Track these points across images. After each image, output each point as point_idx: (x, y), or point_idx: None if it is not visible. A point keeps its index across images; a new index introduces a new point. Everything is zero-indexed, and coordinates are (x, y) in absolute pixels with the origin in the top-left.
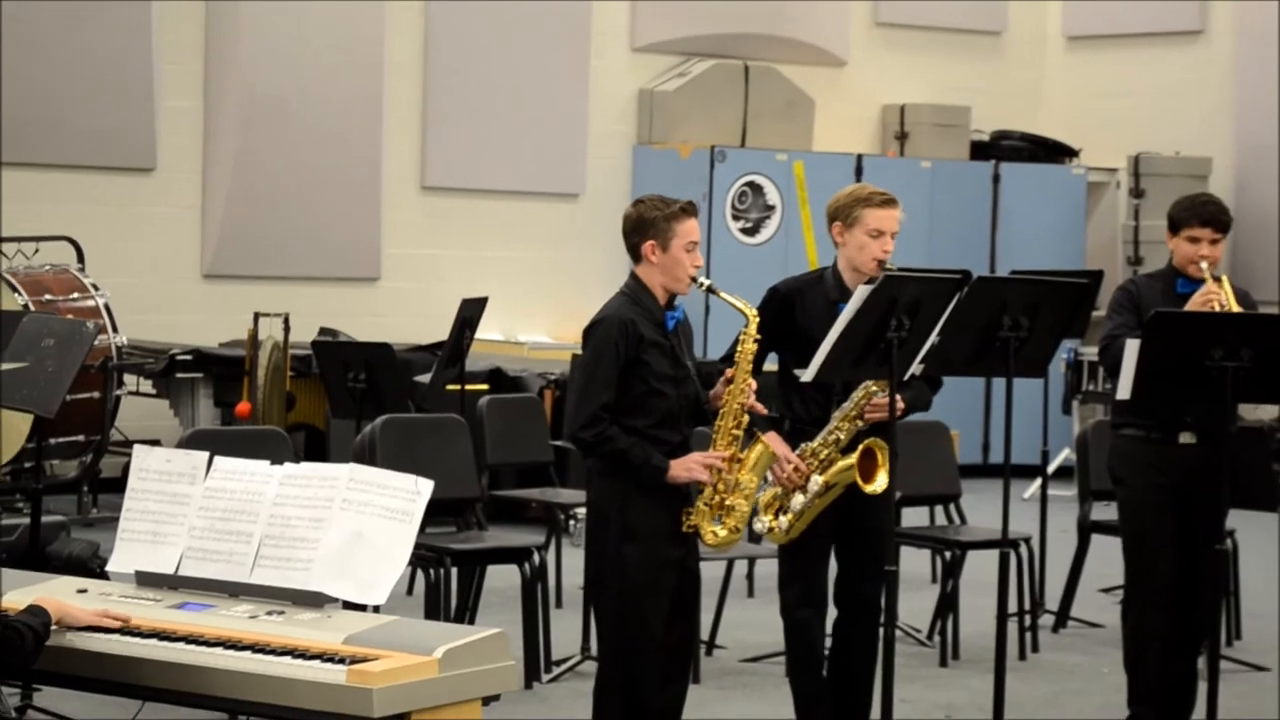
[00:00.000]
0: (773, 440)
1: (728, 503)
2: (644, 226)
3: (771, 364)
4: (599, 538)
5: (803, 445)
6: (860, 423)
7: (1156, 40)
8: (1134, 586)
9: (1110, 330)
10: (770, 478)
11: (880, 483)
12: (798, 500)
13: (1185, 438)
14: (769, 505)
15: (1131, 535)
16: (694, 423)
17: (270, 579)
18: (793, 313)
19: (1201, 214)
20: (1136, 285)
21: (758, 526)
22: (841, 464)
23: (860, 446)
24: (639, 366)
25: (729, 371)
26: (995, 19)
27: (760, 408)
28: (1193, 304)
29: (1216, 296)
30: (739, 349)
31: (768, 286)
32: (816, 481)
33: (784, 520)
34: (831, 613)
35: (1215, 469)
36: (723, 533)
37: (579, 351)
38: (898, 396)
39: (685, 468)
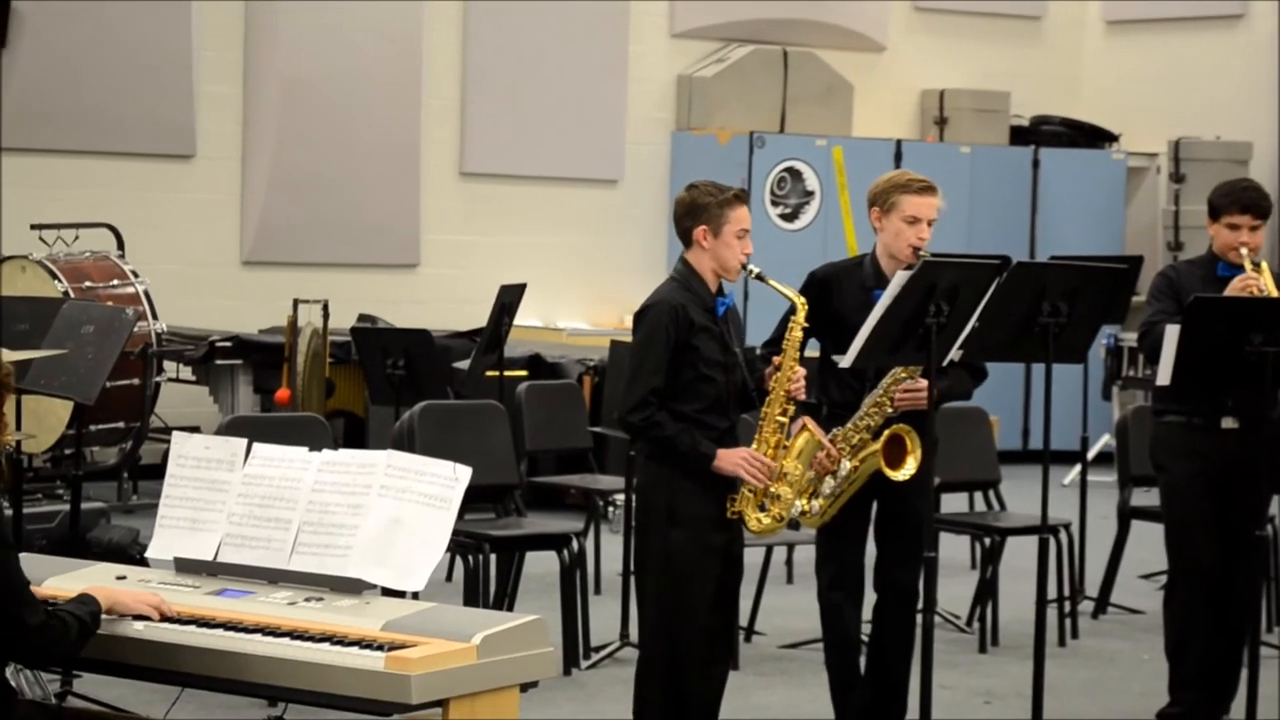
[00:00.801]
0: (807, 425)
1: (772, 490)
2: (697, 211)
3: (812, 350)
4: (644, 522)
5: (835, 430)
6: (891, 410)
7: (1196, 24)
8: (1177, 573)
9: (1149, 316)
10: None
11: (908, 469)
12: (828, 484)
13: (1227, 423)
14: (803, 490)
15: (1174, 522)
16: (742, 409)
17: (309, 565)
18: (829, 298)
19: (1241, 200)
20: (1176, 271)
21: (791, 511)
22: (869, 449)
23: (886, 433)
24: (689, 352)
25: (776, 359)
26: (1035, 3)
27: (802, 395)
28: (1231, 290)
29: (1255, 282)
30: (788, 336)
31: (806, 272)
32: (846, 466)
33: (816, 504)
34: (870, 598)
35: (1256, 455)
36: (767, 520)
37: (618, 337)
38: (924, 390)
39: (732, 462)
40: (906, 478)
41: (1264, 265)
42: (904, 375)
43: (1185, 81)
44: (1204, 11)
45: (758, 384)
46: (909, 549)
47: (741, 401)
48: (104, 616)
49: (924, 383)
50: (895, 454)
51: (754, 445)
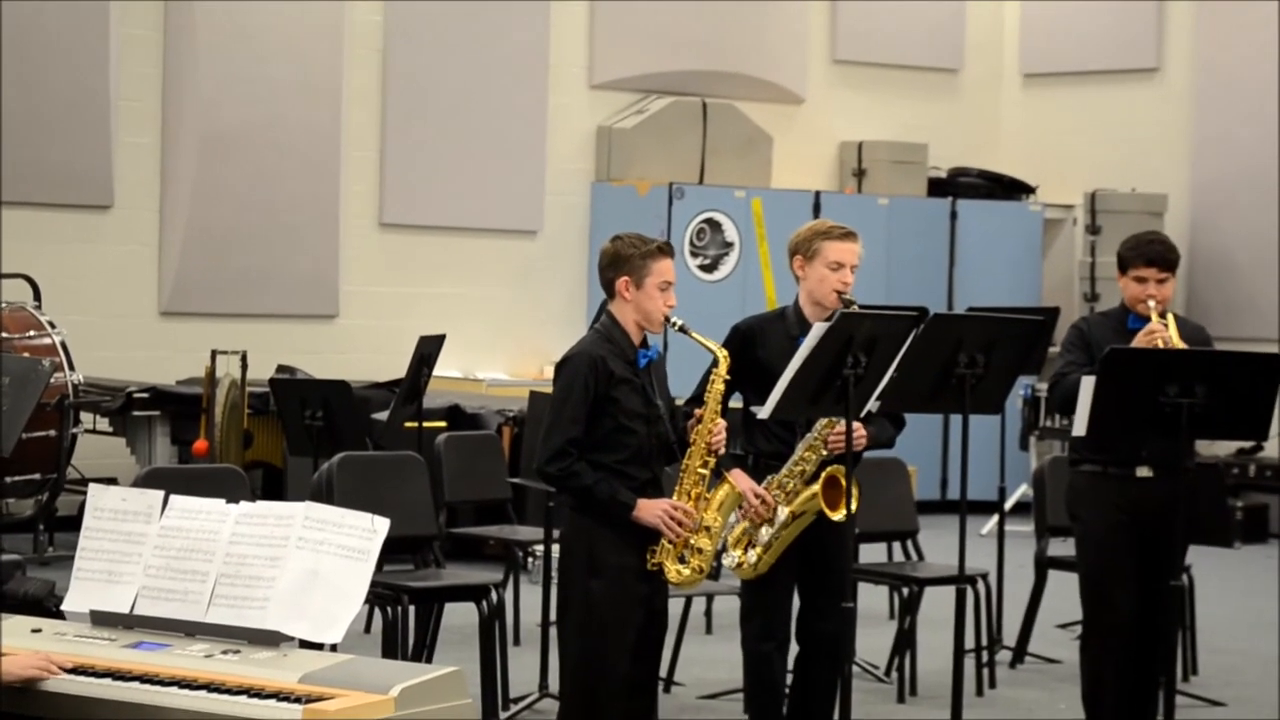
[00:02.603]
0: (737, 476)
1: (693, 542)
2: (619, 263)
3: (736, 401)
4: (566, 572)
5: (769, 478)
6: (825, 452)
7: (1113, 77)
8: (1092, 622)
9: (1061, 368)
10: (737, 513)
11: (843, 511)
12: (765, 532)
13: (1142, 472)
14: (737, 541)
15: (1090, 570)
16: (665, 461)
17: (226, 618)
18: (754, 349)
19: (1147, 253)
20: (1088, 323)
21: (727, 562)
22: (806, 493)
23: (823, 475)
24: (609, 403)
25: (698, 411)
26: (952, 56)
27: (722, 448)
28: (1137, 341)
29: (1161, 333)
30: (709, 389)
31: (726, 323)
32: (783, 512)
33: (753, 554)
34: (793, 650)
35: (1172, 504)
36: (687, 571)
37: (537, 388)
38: (863, 429)
39: (652, 513)
40: (844, 518)
41: (1170, 317)
42: (837, 421)
43: (1101, 134)
44: (1120, 64)
45: (681, 436)
46: (832, 599)
47: (664, 453)
48: None
49: (857, 426)
50: (832, 496)
51: (674, 496)
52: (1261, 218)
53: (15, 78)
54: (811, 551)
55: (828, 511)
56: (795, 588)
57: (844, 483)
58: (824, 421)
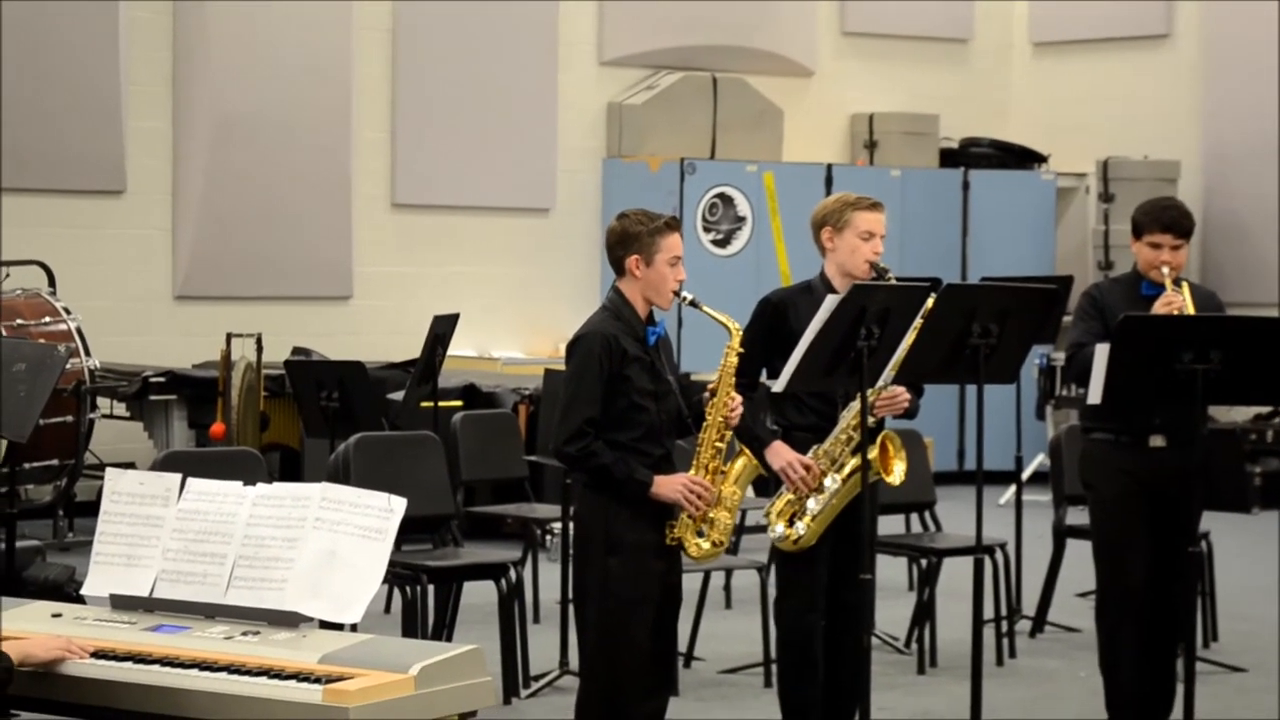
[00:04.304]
0: (778, 449)
1: (711, 515)
2: (628, 241)
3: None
4: (583, 551)
5: (814, 448)
6: (871, 421)
7: (1123, 45)
8: (1106, 591)
9: (1076, 338)
10: (781, 486)
11: (898, 473)
12: (813, 504)
13: (1155, 441)
14: (781, 513)
15: (1103, 539)
16: (677, 436)
17: (245, 600)
18: (786, 322)
19: (1162, 219)
20: (1100, 290)
21: (772, 536)
22: (857, 461)
23: (878, 439)
24: (621, 381)
25: (711, 384)
26: (962, 26)
27: (735, 419)
28: (1154, 311)
29: (1176, 302)
30: (722, 362)
31: (740, 297)
32: (835, 480)
33: (800, 525)
34: None
35: (1187, 471)
36: (706, 545)
37: (552, 366)
38: (906, 395)
39: (671, 487)
40: (900, 480)
41: (1185, 284)
42: (883, 388)
43: (1113, 102)
44: (1130, 31)
45: (695, 411)
46: (853, 569)
47: (677, 429)
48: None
49: (899, 389)
50: (883, 460)
51: (691, 471)
52: (1274, 183)
53: (26, 64)
54: (839, 523)
55: (883, 475)
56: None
57: (891, 447)
58: (871, 391)
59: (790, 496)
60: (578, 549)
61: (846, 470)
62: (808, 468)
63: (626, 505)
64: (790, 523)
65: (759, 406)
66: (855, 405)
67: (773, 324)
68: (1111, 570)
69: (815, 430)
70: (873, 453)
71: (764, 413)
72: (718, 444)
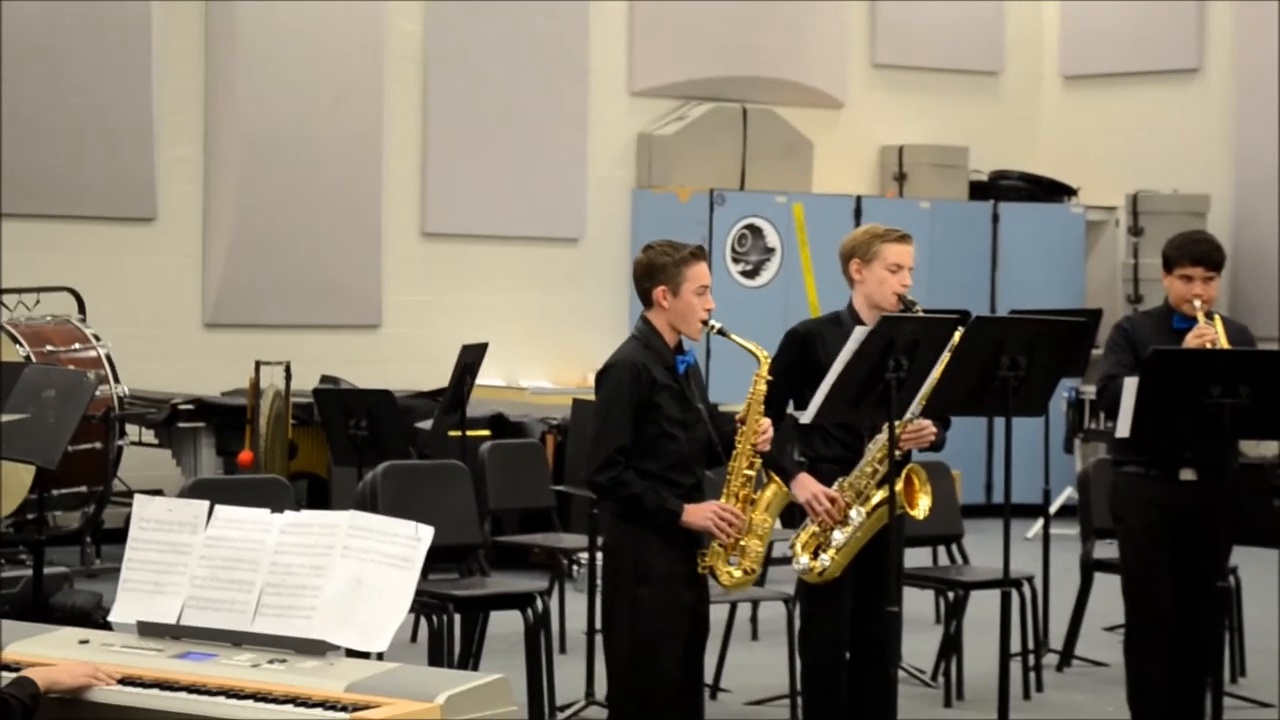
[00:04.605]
0: (804, 480)
1: (742, 543)
2: (654, 272)
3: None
4: (613, 581)
5: (839, 480)
6: (896, 454)
7: (1153, 78)
8: (1135, 624)
9: (1107, 370)
10: (806, 518)
11: (924, 506)
12: (838, 536)
13: (1185, 474)
14: (806, 545)
15: (1132, 573)
16: (707, 466)
17: (272, 627)
18: (814, 353)
19: (1193, 252)
20: (1132, 323)
21: (796, 568)
22: (883, 494)
23: (903, 472)
24: (651, 410)
25: (740, 413)
26: (992, 59)
27: (766, 446)
28: (1187, 344)
29: (1209, 335)
30: (751, 389)
31: (769, 328)
32: (860, 513)
33: (824, 557)
34: None
35: (1216, 505)
36: (738, 574)
37: (581, 396)
38: (932, 429)
39: (701, 515)
40: (924, 515)
41: (1217, 317)
42: (910, 420)
43: (1142, 135)
44: (1160, 65)
45: (726, 440)
46: (880, 602)
47: (707, 458)
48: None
49: (926, 423)
50: (908, 494)
51: (722, 499)
52: None
53: (58, 91)
54: (864, 556)
55: (908, 509)
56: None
57: (917, 480)
58: (897, 424)
59: (815, 529)
60: (607, 578)
61: (871, 503)
62: (833, 500)
63: (657, 535)
64: (815, 555)
65: (785, 438)
66: (881, 438)
67: (800, 355)
68: (1140, 603)
69: (841, 462)
70: (897, 486)
71: (790, 444)
72: (747, 472)
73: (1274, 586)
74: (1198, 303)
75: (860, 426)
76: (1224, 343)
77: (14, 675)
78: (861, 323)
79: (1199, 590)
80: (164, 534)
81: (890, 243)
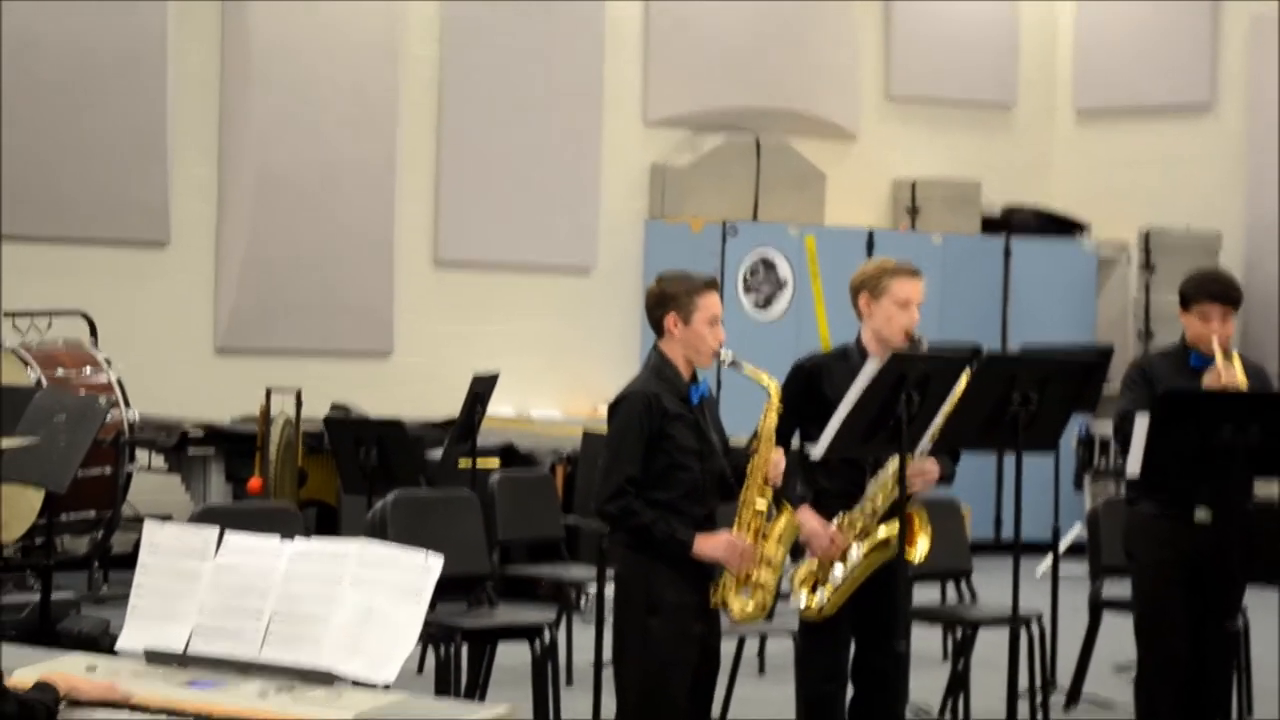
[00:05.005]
0: (806, 514)
1: (754, 577)
2: (666, 301)
3: (796, 442)
4: (624, 611)
5: (840, 515)
6: (898, 492)
7: (1166, 114)
8: (1147, 663)
9: (1124, 407)
10: (804, 554)
11: (922, 548)
12: (837, 572)
13: (1200, 514)
14: (804, 581)
15: (1145, 612)
16: (721, 497)
17: (280, 656)
18: (820, 387)
19: (1212, 290)
20: (1149, 361)
21: (794, 604)
22: (883, 532)
23: (899, 514)
24: (663, 440)
25: (752, 445)
26: (1005, 92)
27: (779, 479)
28: (1206, 383)
29: (1228, 377)
30: (762, 421)
31: (780, 360)
32: (859, 550)
33: (821, 594)
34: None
35: (1230, 545)
36: (750, 607)
37: (591, 427)
38: (938, 465)
39: (713, 546)
40: (921, 558)
41: (1236, 355)
42: (912, 457)
43: (1155, 171)
44: (1174, 101)
45: (738, 471)
46: (889, 638)
47: (720, 489)
48: (62, 703)
49: (930, 463)
50: (906, 535)
51: (734, 530)
52: None
53: (73, 115)
54: (868, 593)
55: (906, 549)
56: (852, 628)
57: (917, 521)
58: (897, 461)
59: (814, 564)
60: (618, 609)
61: (870, 542)
62: (832, 537)
63: (667, 565)
64: (813, 590)
65: (789, 471)
66: (882, 475)
67: (805, 389)
68: (1153, 642)
69: (844, 496)
70: (895, 528)
71: (793, 478)
72: (759, 503)
73: None
74: (1215, 341)
75: (863, 461)
76: (1242, 380)
77: (36, 680)
78: (868, 358)
79: (1212, 630)
80: (173, 560)
81: (900, 278)
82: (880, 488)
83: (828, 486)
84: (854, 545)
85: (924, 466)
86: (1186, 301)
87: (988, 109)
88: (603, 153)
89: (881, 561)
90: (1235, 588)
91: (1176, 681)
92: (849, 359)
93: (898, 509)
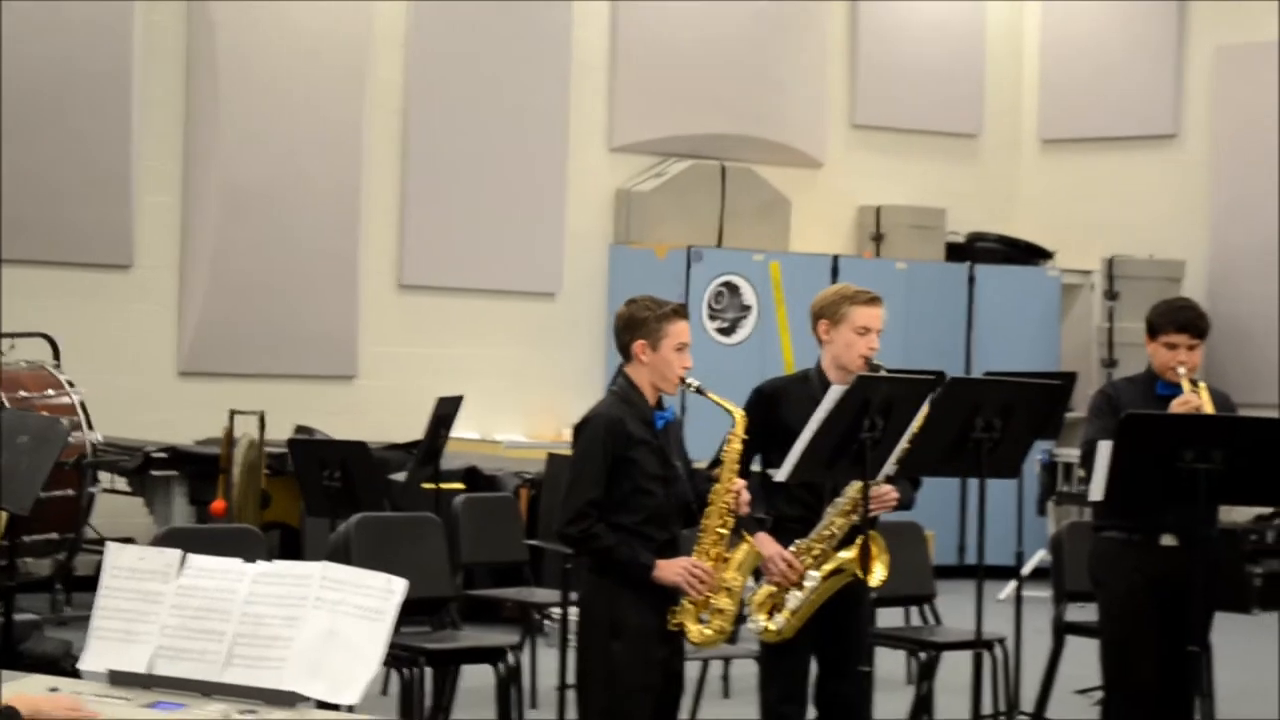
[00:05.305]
0: (763, 540)
1: (714, 602)
2: (635, 326)
3: (757, 465)
4: (586, 635)
5: (796, 542)
6: (854, 517)
7: (1131, 144)
8: (1114, 689)
9: (1090, 435)
10: (763, 577)
11: (879, 575)
12: (794, 598)
13: (1166, 540)
14: (762, 605)
15: (1113, 637)
16: (684, 523)
17: (243, 678)
18: (779, 412)
19: (1178, 319)
20: (1116, 389)
21: (752, 628)
22: (841, 558)
23: (858, 540)
24: (627, 464)
25: (715, 471)
26: (971, 122)
27: (745, 508)
28: (1174, 410)
29: (1194, 403)
30: (725, 449)
31: (745, 386)
32: (813, 577)
33: (779, 618)
34: (810, 714)
35: (1196, 571)
36: (709, 632)
37: (555, 450)
38: (894, 495)
39: (673, 571)
40: (880, 582)
41: (1202, 385)
42: (871, 484)
43: (1119, 200)
44: (1138, 131)
45: (700, 497)
46: (852, 662)
47: (682, 515)
48: None
49: (888, 488)
50: (863, 561)
51: (694, 556)
52: (1276, 285)
53: (37, 137)
54: (830, 615)
55: (861, 576)
56: (813, 651)
57: (874, 548)
58: (856, 486)
59: (772, 589)
60: (581, 633)
61: (827, 568)
62: (790, 563)
63: (630, 589)
64: (770, 615)
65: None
66: (840, 501)
67: (765, 413)
68: (1120, 669)
69: (803, 522)
70: (851, 553)
71: (754, 502)
72: (720, 530)
73: (1245, 653)
74: (1182, 370)
75: (821, 487)
76: (1209, 409)
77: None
78: (829, 383)
79: (1176, 655)
80: (135, 582)
81: (859, 305)
82: (839, 512)
83: (788, 511)
84: (810, 571)
85: (880, 490)
86: (1154, 330)
87: (953, 138)
88: (568, 177)
89: (839, 586)
90: (1203, 614)
91: (1144, 707)
92: (809, 384)
93: (856, 534)
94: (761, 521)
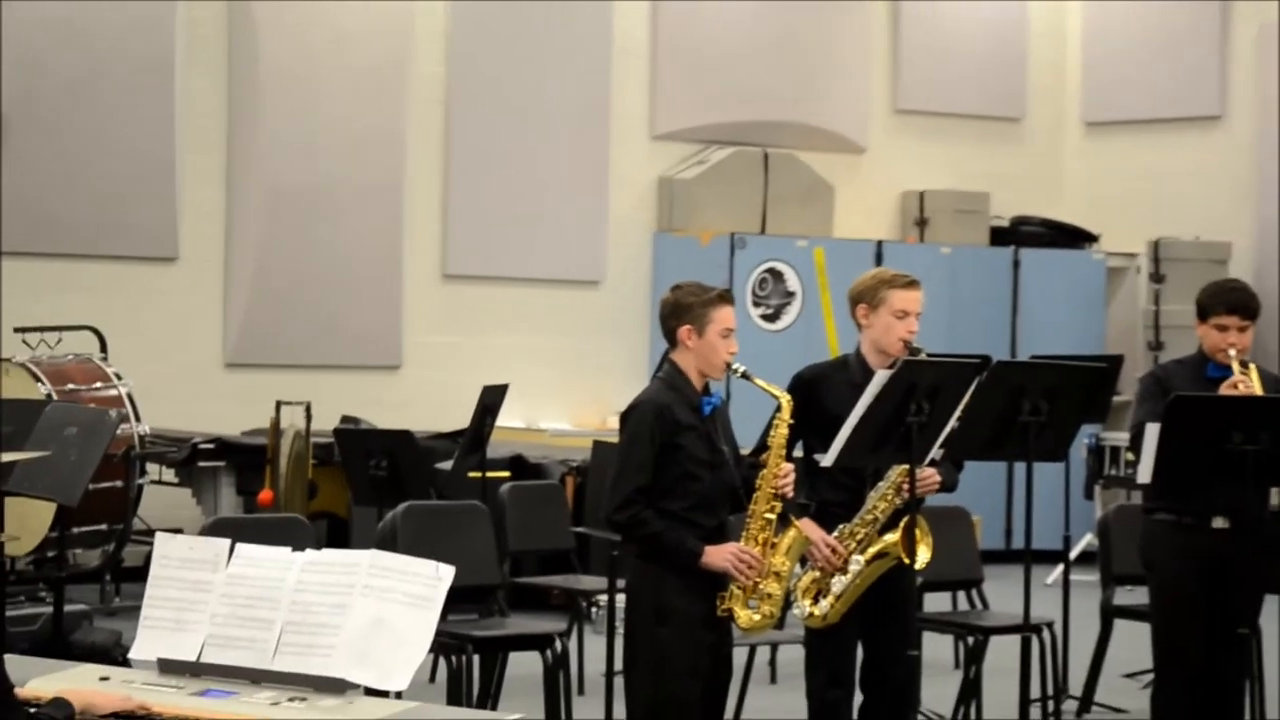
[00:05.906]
0: (807, 525)
1: (762, 587)
2: (680, 312)
3: (798, 451)
4: (633, 621)
5: (840, 527)
6: (898, 501)
7: (1175, 125)
8: (1164, 671)
9: (1140, 417)
10: (808, 562)
11: (923, 558)
12: (838, 582)
13: (1218, 522)
14: (807, 590)
15: (1163, 620)
16: (731, 509)
17: (292, 665)
18: (819, 398)
19: (1229, 301)
20: (1165, 371)
21: (796, 613)
22: (885, 541)
23: (902, 523)
24: (674, 450)
25: (763, 457)
26: (1014, 105)
27: (790, 493)
28: (1223, 392)
29: (1244, 384)
30: (772, 433)
31: (788, 372)
32: (858, 562)
33: (824, 603)
34: (857, 699)
35: (1248, 554)
36: (757, 617)
37: (600, 438)
38: (936, 478)
39: (721, 557)
40: (924, 565)
41: (1252, 366)
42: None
43: (1164, 182)
44: (1183, 113)
45: (746, 483)
46: (900, 646)
47: (730, 500)
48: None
49: (930, 471)
50: (907, 544)
51: (741, 542)
52: None
53: (82, 133)
54: (877, 600)
55: (906, 559)
56: (860, 636)
57: (919, 531)
58: (898, 470)
59: (816, 574)
60: (629, 619)
61: (871, 552)
62: (834, 548)
63: (677, 575)
64: (815, 600)
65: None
66: (882, 485)
67: (805, 399)
68: (1170, 651)
69: (846, 507)
70: (895, 536)
71: (798, 488)
72: (767, 515)
73: None
74: (1232, 352)
75: (864, 472)
76: (1259, 391)
77: (51, 696)
78: (868, 368)
79: (1226, 639)
80: (185, 571)
81: (897, 289)
82: (881, 497)
83: (830, 497)
84: (854, 556)
85: (923, 474)
86: (1204, 312)
87: (997, 121)
88: (611, 166)
89: (883, 570)
90: (1253, 597)
91: (1193, 690)
92: (848, 369)
93: (900, 517)
94: (805, 507)
